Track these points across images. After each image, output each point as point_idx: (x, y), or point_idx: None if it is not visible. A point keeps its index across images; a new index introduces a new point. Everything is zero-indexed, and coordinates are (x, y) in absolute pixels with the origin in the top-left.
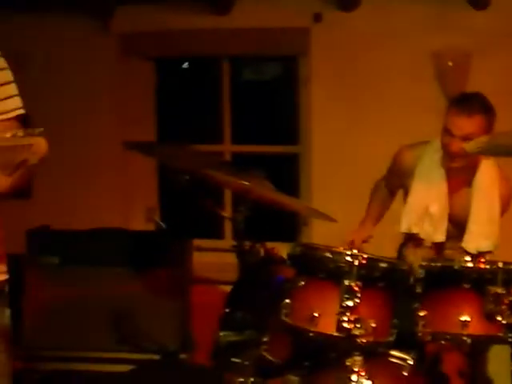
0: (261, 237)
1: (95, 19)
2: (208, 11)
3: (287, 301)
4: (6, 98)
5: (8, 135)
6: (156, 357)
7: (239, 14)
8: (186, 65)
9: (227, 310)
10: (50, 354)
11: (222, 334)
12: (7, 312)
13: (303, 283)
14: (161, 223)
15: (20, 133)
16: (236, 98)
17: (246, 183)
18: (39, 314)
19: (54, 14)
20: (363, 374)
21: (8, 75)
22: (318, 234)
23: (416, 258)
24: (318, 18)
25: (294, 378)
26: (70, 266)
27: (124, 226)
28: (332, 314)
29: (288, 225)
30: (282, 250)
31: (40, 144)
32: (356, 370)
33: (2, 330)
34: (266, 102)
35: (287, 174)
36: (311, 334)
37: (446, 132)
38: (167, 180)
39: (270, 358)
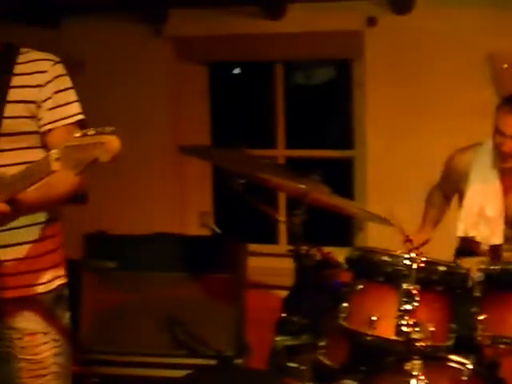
0: (315, 241)
1: (149, 24)
2: (261, 16)
3: (345, 305)
4: (65, 104)
5: (78, 134)
6: (211, 362)
7: (292, 19)
8: (237, 70)
9: (284, 315)
10: (106, 358)
11: (278, 338)
12: (67, 315)
13: (361, 287)
14: (215, 228)
15: (90, 131)
16: (289, 102)
17: (304, 187)
18: (95, 319)
19: (108, 19)
20: (422, 378)
21: (67, 81)
22: (373, 238)
23: (473, 262)
24: (372, 21)
25: (350, 383)
26: (126, 270)
27: (178, 231)
28: (390, 317)
29: (342, 229)
30: (338, 254)
31: (112, 142)
32: (415, 374)
33: (63, 331)
34: (319, 106)
35: (341, 178)
36: (369, 338)
37: (498, 132)
38: (222, 184)
39: (327, 362)
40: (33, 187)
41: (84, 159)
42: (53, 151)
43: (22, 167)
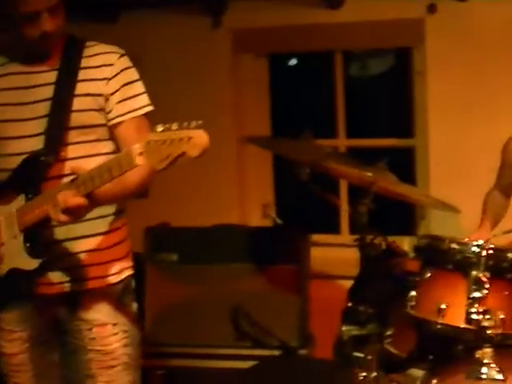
0: (378, 230)
1: (208, 15)
2: (320, 5)
3: (413, 293)
4: (134, 96)
5: (160, 129)
6: (276, 353)
7: (351, 8)
8: (294, 61)
9: (350, 304)
10: (170, 350)
11: (344, 328)
12: (135, 306)
13: (429, 275)
14: (277, 219)
15: (174, 126)
16: (347, 92)
17: (371, 175)
18: (159, 311)
19: (166, 12)
20: (493, 366)
21: (134, 74)
22: (435, 227)
23: None
24: (432, 8)
25: (418, 372)
26: (189, 262)
27: (240, 223)
28: (460, 305)
29: (403, 218)
30: (402, 243)
31: (201, 137)
32: (486, 362)
33: (131, 322)
34: (378, 94)
35: (402, 167)
36: (438, 327)
37: None
38: (286, 174)
39: (394, 351)
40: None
41: (170, 154)
42: (136, 145)
43: (92, 160)
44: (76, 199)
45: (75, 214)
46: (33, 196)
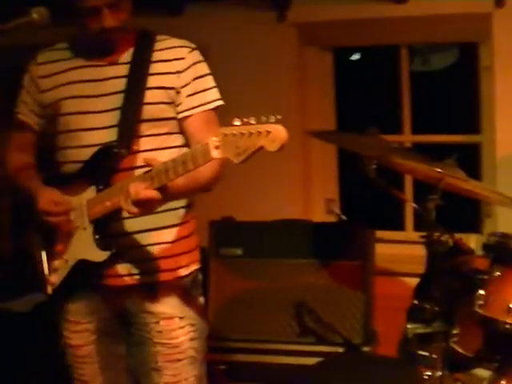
0: (444, 227)
1: (273, 10)
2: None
3: (481, 292)
4: (204, 90)
5: (238, 122)
6: (339, 349)
7: (417, 2)
8: (357, 55)
9: (415, 302)
10: (233, 345)
11: (409, 326)
12: (202, 300)
13: (499, 274)
14: (341, 215)
15: (252, 120)
16: (412, 87)
17: (441, 171)
18: (223, 306)
19: (231, 6)
20: None
21: (205, 68)
22: (502, 225)
23: None
24: (499, 2)
25: (484, 372)
26: (253, 257)
27: (305, 218)
28: None
29: (468, 215)
30: (468, 240)
31: (279, 131)
32: None
33: (198, 316)
34: (442, 90)
35: (468, 164)
36: (507, 326)
37: None
38: (352, 169)
39: (460, 350)
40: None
41: (247, 148)
42: (213, 138)
43: (163, 153)
44: (148, 192)
45: (146, 207)
46: (104, 187)
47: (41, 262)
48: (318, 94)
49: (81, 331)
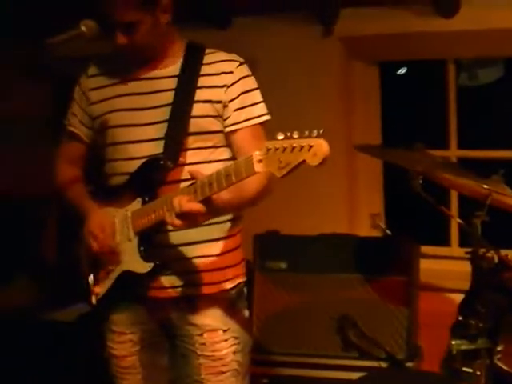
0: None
1: (319, 24)
2: (433, 14)
3: None
4: (252, 105)
5: (281, 136)
6: (383, 364)
7: (465, 16)
8: (403, 70)
9: (460, 318)
10: (277, 358)
11: (453, 342)
12: (247, 313)
13: None
14: (386, 229)
15: (295, 134)
16: (459, 101)
17: (486, 187)
18: (267, 319)
19: (278, 19)
20: None
21: (253, 82)
22: None
23: None
24: None
25: None
26: (298, 271)
27: (350, 232)
28: None
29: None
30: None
31: (322, 145)
32: None
33: (243, 329)
34: (489, 104)
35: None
36: None
37: None
38: (397, 184)
39: (504, 367)
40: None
41: (290, 162)
42: (256, 152)
43: (209, 166)
44: (191, 205)
45: (190, 220)
46: (149, 199)
47: (86, 272)
48: (363, 108)
49: (125, 342)
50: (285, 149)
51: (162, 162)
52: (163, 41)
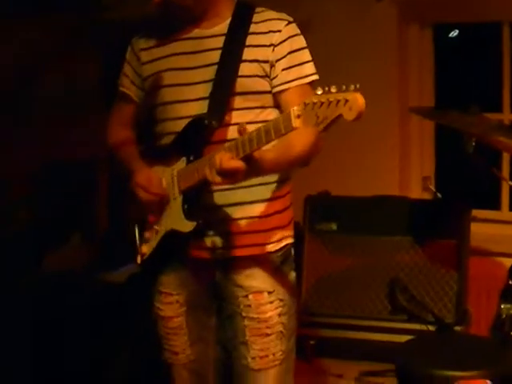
0: None
1: None
2: None
3: None
4: (300, 64)
5: (319, 92)
6: (431, 328)
7: None
8: (454, 33)
9: (510, 282)
10: (325, 320)
11: (503, 306)
12: (293, 275)
13: None
14: (437, 192)
15: (333, 89)
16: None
17: None
18: (316, 281)
19: None
20: None
21: (301, 41)
22: None
23: None
24: None
25: None
26: (348, 233)
27: (401, 194)
28: None
29: None
30: None
31: (358, 99)
32: None
33: (288, 291)
34: None
35: None
36: None
37: None
38: (447, 148)
39: None
40: (270, 145)
41: (327, 116)
42: (294, 108)
43: (254, 126)
44: (231, 161)
45: (231, 177)
46: (194, 159)
47: (133, 232)
48: (417, 70)
49: (171, 303)
50: (322, 103)
51: (206, 122)
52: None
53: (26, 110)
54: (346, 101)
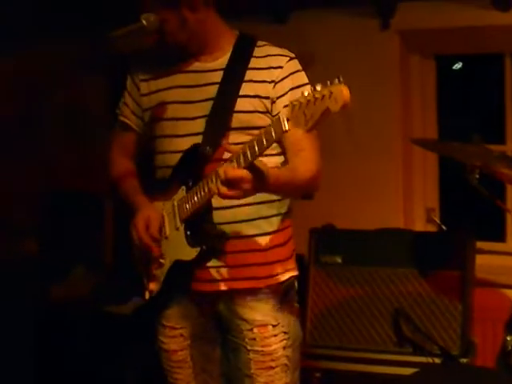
0: None
1: (377, 17)
2: (489, 8)
3: None
4: None
5: (307, 92)
6: (437, 360)
7: None
8: (458, 65)
9: None
10: (329, 353)
11: (508, 338)
12: (297, 307)
13: None
14: (441, 224)
15: (318, 87)
16: None
17: None
18: (321, 312)
19: (336, 12)
20: None
21: (303, 78)
22: None
23: None
24: None
25: None
26: (352, 265)
27: (405, 227)
28: None
29: None
30: None
31: (341, 90)
32: None
33: (292, 324)
34: None
35: None
36: None
37: None
38: (453, 178)
39: None
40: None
41: (314, 113)
42: (282, 111)
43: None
44: (236, 170)
45: (238, 187)
46: (193, 184)
47: (140, 268)
48: (420, 102)
49: (175, 336)
50: (308, 102)
51: (201, 149)
52: (206, 35)
53: (33, 140)
54: (331, 93)
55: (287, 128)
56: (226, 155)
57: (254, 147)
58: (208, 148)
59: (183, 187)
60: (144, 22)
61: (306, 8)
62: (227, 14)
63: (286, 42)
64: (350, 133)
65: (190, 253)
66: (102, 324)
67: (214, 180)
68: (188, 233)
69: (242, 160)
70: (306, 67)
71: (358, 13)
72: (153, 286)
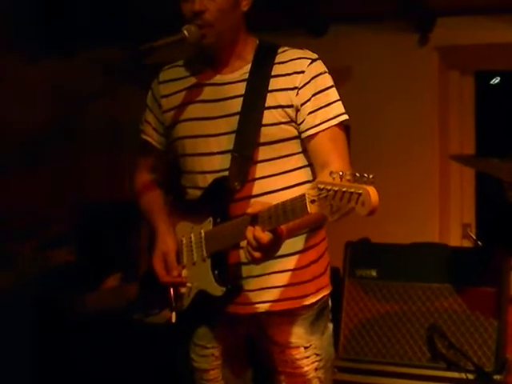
0: None
1: (415, 32)
2: None
3: None
4: (326, 106)
5: (334, 175)
6: (470, 376)
7: None
8: (496, 80)
9: None
10: (364, 366)
11: None
12: (330, 327)
13: None
14: (477, 240)
15: (347, 176)
16: None
17: None
18: (355, 326)
19: (374, 27)
20: None
21: (326, 80)
22: None
23: None
24: None
25: None
26: (388, 279)
27: (440, 242)
28: None
29: None
30: None
31: (370, 195)
32: None
33: (328, 344)
34: None
35: None
36: None
37: None
38: (487, 195)
39: None
40: None
41: (340, 208)
42: (309, 192)
43: (281, 178)
44: (268, 235)
45: (271, 250)
46: (221, 221)
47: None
48: (458, 117)
49: (207, 355)
50: (335, 193)
51: (229, 184)
52: (234, 36)
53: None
54: (359, 195)
55: (311, 211)
56: (255, 191)
57: (274, 218)
58: (236, 183)
59: (210, 219)
60: (186, 32)
61: (343, 22)
62: (264, 27)
63: (322, 56)
64: (386, 148)
65: (217, 290)
66: (133, 333)
67: (244, 242)
68: (216, 272)
69: (266, 224)
70: (341, 82)
71: (395, 27)
72: (180, 305)
